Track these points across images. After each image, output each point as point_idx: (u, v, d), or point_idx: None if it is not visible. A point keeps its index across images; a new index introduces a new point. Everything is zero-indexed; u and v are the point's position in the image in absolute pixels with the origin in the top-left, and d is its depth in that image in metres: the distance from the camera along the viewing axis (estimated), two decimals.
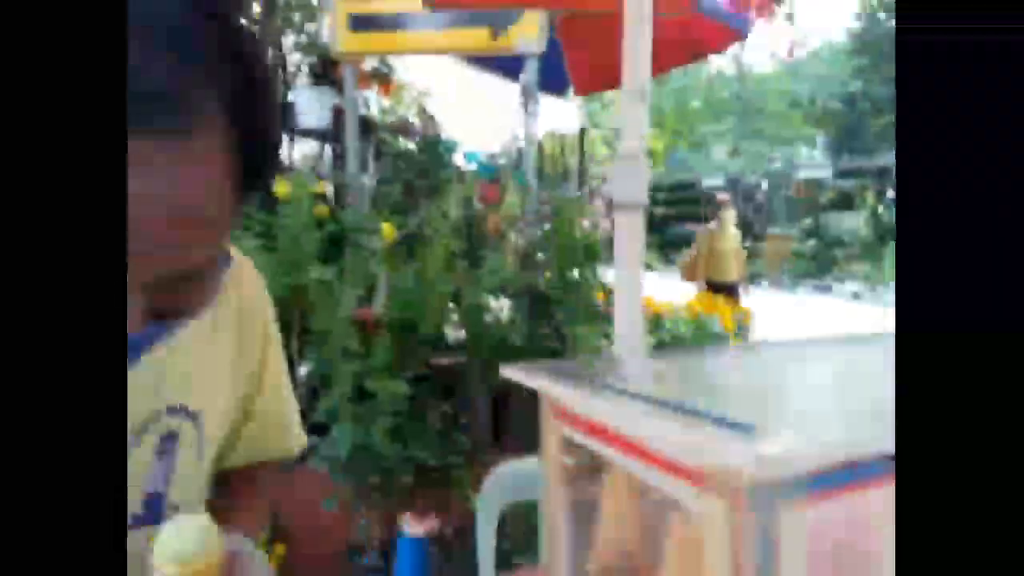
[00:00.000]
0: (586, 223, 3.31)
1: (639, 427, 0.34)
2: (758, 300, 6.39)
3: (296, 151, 3.28)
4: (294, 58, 3.14)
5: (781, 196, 17.66)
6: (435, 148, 3.38)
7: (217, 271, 0.46)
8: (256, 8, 2.83)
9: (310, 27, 3.02)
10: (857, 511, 0.31)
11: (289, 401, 0.78)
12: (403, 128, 3.47)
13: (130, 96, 0.34)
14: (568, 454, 0.43)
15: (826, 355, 0.54)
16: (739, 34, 2.65)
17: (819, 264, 15.03)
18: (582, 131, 5.78)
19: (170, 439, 0.62)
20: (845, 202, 18.24)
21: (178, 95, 0.37)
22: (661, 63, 2.17)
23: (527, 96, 2.99)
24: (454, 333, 2.54)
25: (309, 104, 2.97)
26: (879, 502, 0.31)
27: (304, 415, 0.81)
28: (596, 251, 2.81)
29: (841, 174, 17.72)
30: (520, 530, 1.71)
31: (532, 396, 0.47)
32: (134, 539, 0.53)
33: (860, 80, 18.15)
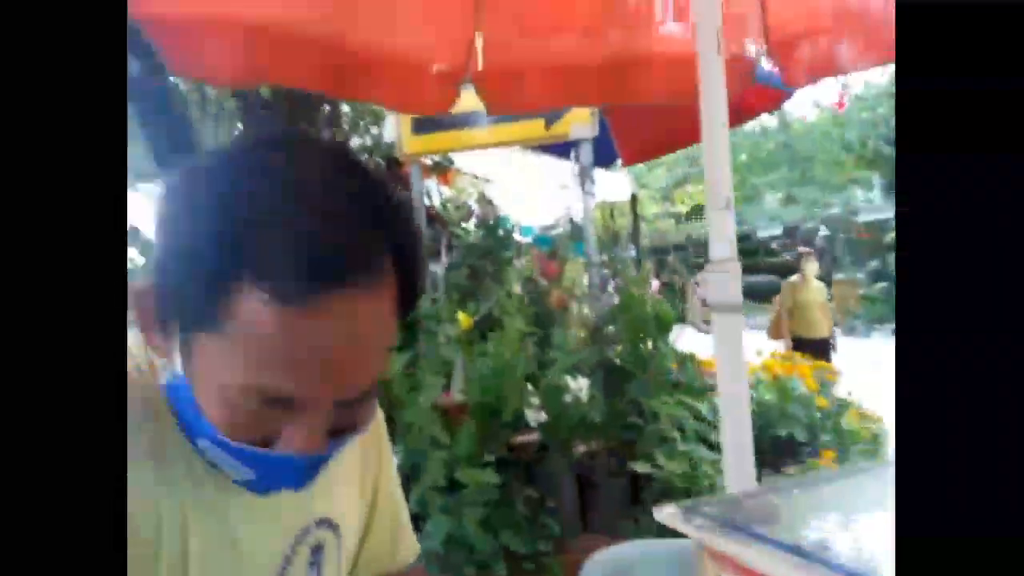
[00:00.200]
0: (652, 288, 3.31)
1: None
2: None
3: None
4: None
5: (842, 241, 17.15)
6: (495, 231, 3.49)
7: (376, 393, 0.53)
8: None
9: (375, 129, 3.23)
10: None
11: (404, 506, 0.78)
12: (464, 214, 3.61)
13: (339, 257, 0.45)
14: None
15: None
16: (788, 94, 2.68)
17: (891, 307, 14.34)
18: (633, 197, 5.85)
19: (319, 551, 0.63)
20: None
21: (370, 256, 0.47)
22: None
23: (584, 176, 3.08)
24: (533, 415, 2.55)
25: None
26: None
27: None
28: (668, 322, 2.80)
29: None
30: None
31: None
32: None
33: None
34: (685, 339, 3.07)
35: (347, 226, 0.45)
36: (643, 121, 2.53)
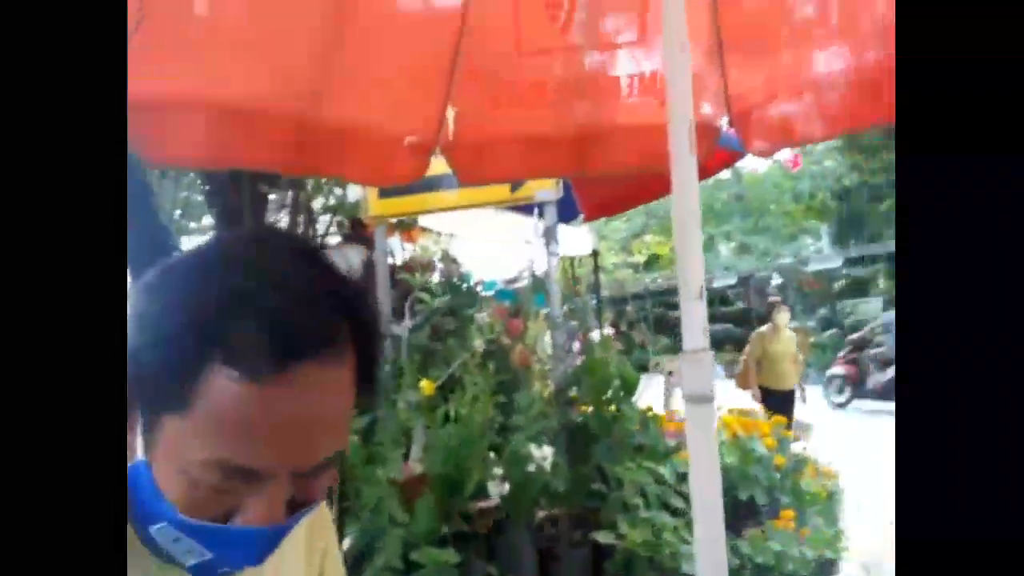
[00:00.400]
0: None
1: None
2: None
3: None
4: (324, 218, 3.32)
5: (793, 290, 17.73)
6: (459, 289, 3.47)
7: (334, 464, 0.54)
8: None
9: (339, 190, 3.21)
10: None
11: None
12: (427, 267, 3.58)
13: (302, 333, 0.48)
14: None
15: None
16: (743, 153, 2.80)
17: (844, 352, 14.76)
18: (595, 252, 5.93)
19: None
20: (859, 288, 18.27)
21: (331, 332, 0.50)
22: (670, 187, 2.28)
23: (548, 236, 3.10)
24: (496, 486, 2.47)
25: (342, 263, 3.09)
26: None
27: None
28: (633, 384, 2.79)
29: (850, 262, 17.86)
30: None
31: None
32: None
33: (855, 173, 18.80)
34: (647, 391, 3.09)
35: (309, 306, 0.49)
36: (605, 180, 2.58)
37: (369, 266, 3.17)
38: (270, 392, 0.47)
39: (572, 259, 6.75)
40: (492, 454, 2.51)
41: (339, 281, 0.54)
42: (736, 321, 17.70)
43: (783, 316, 5.95)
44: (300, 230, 3.39)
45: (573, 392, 2.92)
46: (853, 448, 5.98)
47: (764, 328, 6.05)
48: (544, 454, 2.43)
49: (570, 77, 1.55)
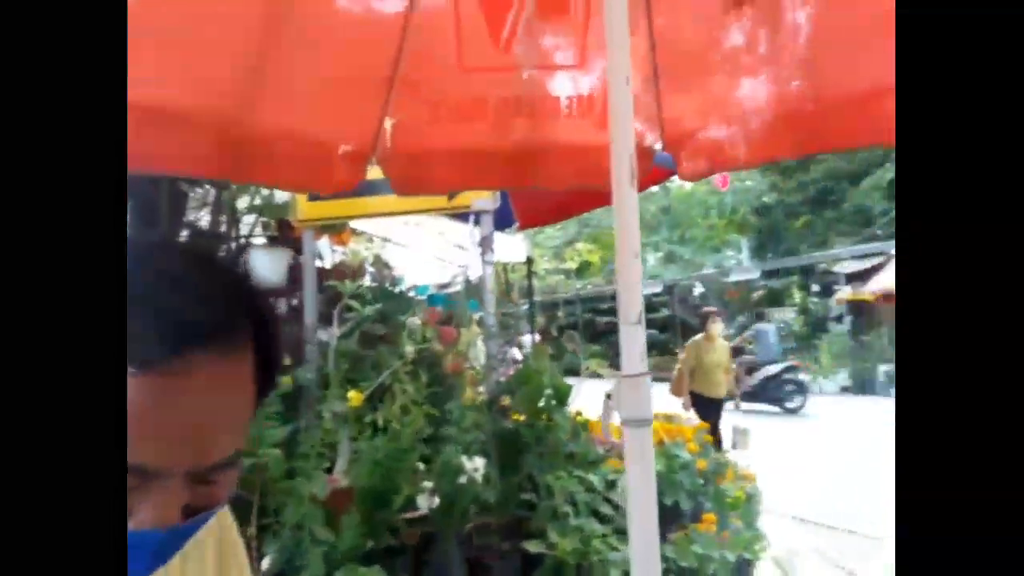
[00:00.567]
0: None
1: None
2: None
3: None
4: (249, 219, 3.17)
5: (715, 299, 18.50)
6: (390, 295, 3.40)
7: (234, 468, 0.54)
8: None
9: (265, 190, 3.08)
10: None
11: None
12: (357, 272, 3.50)
13: (197, 325, 0.48)
14: None
15: None
16: (673, 171, 2.90)
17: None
18: (529, 259, 5.97)
19: None
20: (774, 299, 19.28)
21: (228, 326, 0.51)
22: (603, 201, 2.33)
23: (484, 245, 3.09)
24: (426, 499, 2.43)
25: (265, 265, 2.97)
26: None
27: None
28: (565, 394, 2.82)
29: (767, 274, 18.82)
30: None
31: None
32: None
33: (774, 192, 19.93)
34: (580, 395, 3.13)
35: (203, 303, 0.50)
36: (541, 192, 2.61)
37: (296, 270, 3.06)
38: (161, 383, 0.47)
39: (505, 265, 6.78)
40: (422, 465, 2.47)
41: (237, 282, 0.55)
42: (661, 328, 18.30)
43: (717, 326, 6.11)
44: (222, 230, 3.24)
45: (506, 400, 2.92)
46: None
47: (698, 337, 6.19)
48: (476, 465, 2.41)
49: (511, 95, 1.55)
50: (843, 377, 14.41)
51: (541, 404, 2.79)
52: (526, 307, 6.70)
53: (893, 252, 15.69)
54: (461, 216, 3.77)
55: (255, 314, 0.55)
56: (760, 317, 16.95)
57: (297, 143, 1.35)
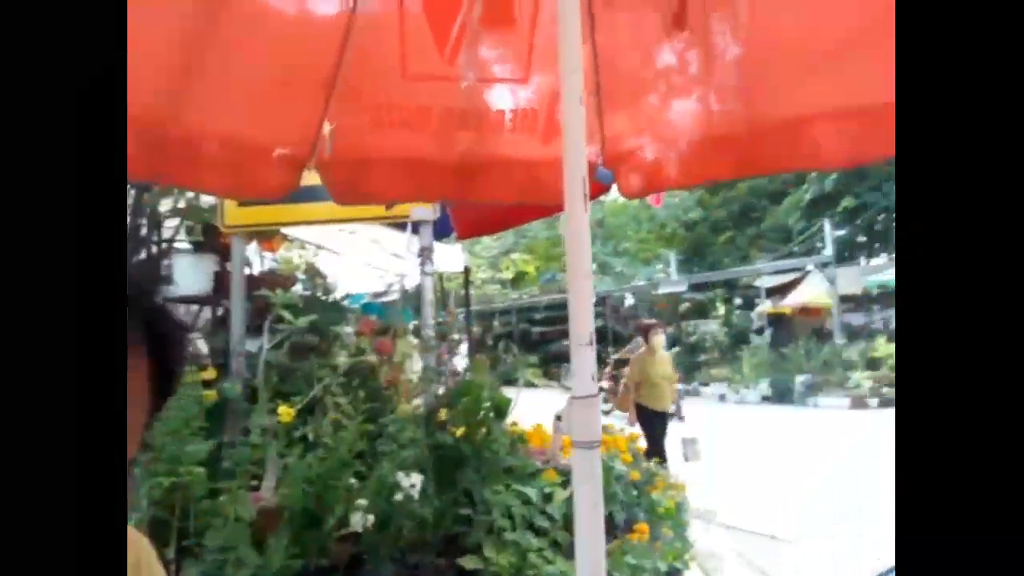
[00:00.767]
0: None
1: None
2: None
3: None
4: (172, 222, 2.99)
5: (644, 310, 19.00)
6: (323, 305, 3.28)
7: (131, 476, 0.51)
8: None
9: (190, 193, 2.91)
10: None
11: None
12: (288, 280, 3.36)
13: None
14: None
15: None
16: (609, 187, 2.95)
17: (686, 369, 16.01)
18: (467, 270, 5.93)
19: None
20: (700, 311, 19.99)
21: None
22: (541, 213, 2.33)
23: (424, 256, 3.03)
24: (359, 518, 2.34)
25: (188, 271, 2.81)
26: None
27: None
28: (504, 406, 2.79)
29: (693, 287, 19.50)
30: None
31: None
32: None
33: (699, 208, 20.75)
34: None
35: None
36: (480, 204, 2.58)
37: (223, 277, 2.91)
38: None
39: (442, 275, 6.71)
40: (356, 482, 2.38)
41: (132, 287, 0.56)
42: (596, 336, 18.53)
43: (660, 339, 6.11)
44: (143, 234, 3.04)
45: (443, 414, 2.86)
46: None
47: (641, 351, 6.20)
48: (412, 481, 2.34)
49: (455, 106, 1.52)
50: (764, 387, 15.02)
51: (480, 416, 2.75)
52: (463, 317, 6.65)
53: (809, 268, 16.61)
54: (398, 224, 3.69)
55: (152, 325, 0.55)
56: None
57: (226, 145, 1.27)
